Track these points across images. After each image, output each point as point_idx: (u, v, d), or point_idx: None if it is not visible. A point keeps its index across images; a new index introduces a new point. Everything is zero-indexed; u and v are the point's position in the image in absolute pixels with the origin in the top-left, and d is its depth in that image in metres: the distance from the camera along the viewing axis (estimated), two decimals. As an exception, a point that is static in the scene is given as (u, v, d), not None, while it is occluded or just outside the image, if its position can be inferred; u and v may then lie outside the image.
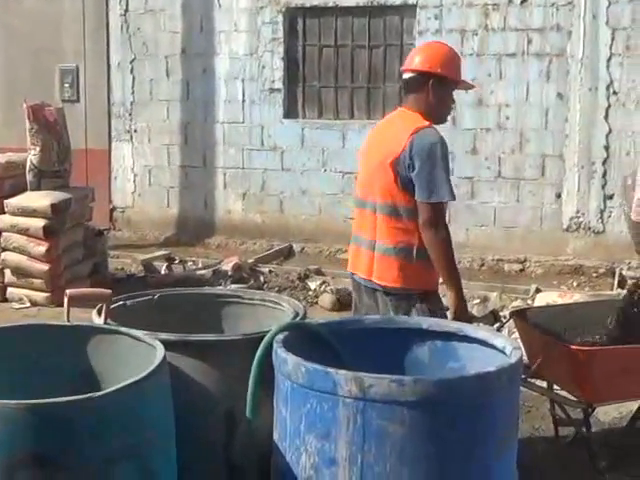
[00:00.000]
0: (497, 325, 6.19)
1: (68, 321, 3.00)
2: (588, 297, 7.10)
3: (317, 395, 2.61)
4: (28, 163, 7.75)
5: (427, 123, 3.98)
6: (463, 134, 9.60)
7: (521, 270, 9.32)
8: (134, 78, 10.93)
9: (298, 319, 3.25)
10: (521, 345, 4.36)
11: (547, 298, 7.12)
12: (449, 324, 3.29)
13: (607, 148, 9.15)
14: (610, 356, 4.19)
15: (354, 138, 9.93)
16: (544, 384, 4.59)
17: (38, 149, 7.73)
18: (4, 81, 11.48)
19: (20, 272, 7.55)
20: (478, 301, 7.13)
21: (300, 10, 10.24)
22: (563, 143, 9.30)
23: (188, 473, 2.75)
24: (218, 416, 2.98)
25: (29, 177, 7.75)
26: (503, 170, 9.52)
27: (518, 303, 7.26)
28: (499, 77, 9.45)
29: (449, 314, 3.94)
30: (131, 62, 10.92)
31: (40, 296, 7.47)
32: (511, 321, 5.04)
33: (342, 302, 7.63)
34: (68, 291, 3.08)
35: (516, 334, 4.99)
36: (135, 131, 11.00)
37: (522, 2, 9.30)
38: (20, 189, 7.74)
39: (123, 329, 2.95)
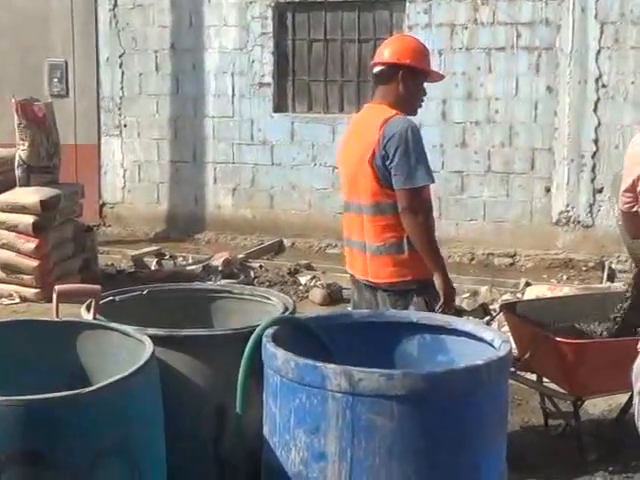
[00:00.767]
0: (487, 318, 6.20)
1: (57, 317, 2.99)
2: (578, 290, 7.12)
3: (306, 390, 2.61)
4: (17, 159, 7.71)
5: (394, 112, 3.98)
6: (452, 128, 9.60)
7: (511, 264, 9.34)
8: (123, 73, 10.90)
9: (287, 314, 3.25)
10: (511, 338, 4.38)
11: (537, 291, 7.14)
12: (438, 318, 3.29)
13: (596, 141, 9.17)
14: (599, 349, 4.21)
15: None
16: (534, 377, 4.61)
17: (27, 144, 7.69)
18: (-8, 76, 11.43)
19: (9, 268, 7.52)
20: (468, 295, 7.14)
21: (289, 5, 10.22)
22: (552, 136, 9.32)
23: (178, 469, 2.74)
24: (208, 411, 2.98)
25: (18, 173, 7.71)
26: (493, 164, 9.53)
27: (508, 297, 7.28)
28: (488, 71, 9.46)
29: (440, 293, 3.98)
30: (120, 57, 10.88)
31: (30, 292, 7.45)
32: (501, 314, 5.06)
33: (332, 297, 7.64)
34: (57, 287, 3.07)
35: (506, 327, 5.01)
36: (124, 126, 10.97)
37: (511, -4, 9.31)
38: (9, 185, 7.70)
39: (112, 325, 2.94)
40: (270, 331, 2.89)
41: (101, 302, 3.18)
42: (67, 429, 2.32)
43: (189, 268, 8.58)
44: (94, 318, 3.03)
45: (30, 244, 7.41)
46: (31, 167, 7.73)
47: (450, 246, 9.51)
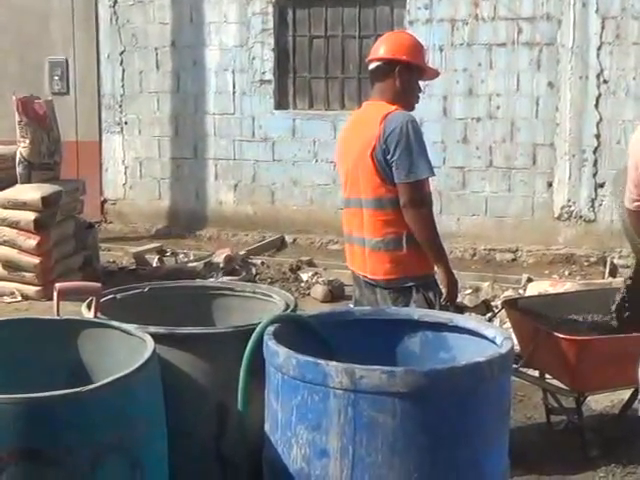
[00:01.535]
0: (489, 315, 6.20)
1: (58, 315, 2.99)
2: (580, 286, 7.11)
3: (308, 387, 2.61)
4: (18, 156, 7.71)
5: (394, 107, 3.99)
6: (454, 124, 9.59)
7: (513, 259, 9.34)
8: (124, 70, 10.89)
9: (289, 311, 3.24)
10: (513, 335, 4.38)
11: (539, 287, 7.13)
12: (440, 315, 3.29)
13: (598, 137, 9.16)
14: (600, 346, 4.20)
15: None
16: (536, 373, 4.60)
17: (28, 142, 7.69)
18: (-7, 74, 11.43)
19: (11, 266, 7.52)
20: (470, 291, 7.13)
21: (290, 1, 10.21)
22: (554, 132, 9.31)
23: (179, 467, 2.74)
24: (209, 409, 2.98)
25: (19, 170, 7.71)
26: (494, 159, 9.53)
27: (510, 293, 7.27)
28: (489, 66, 9.45)
29: (442, 289, 3.97)
30: (121, 54, 10.88)
31: (31, 290, 7.44)
32: (503, 311, 5.05)
33: (334, 293, 7.63)
34: (57, 285, 3.06)
35: (508, 324, 5.01)
36: (125, 123, 10.97)
37: (512, -9, 9.30)
38: (10, 182, 7.70)
39: (113, 323, 2.94)
40: (271, 328, 2.89)
41: (102, 300, 3.18)
42: (68, 427, 2.31)
43: (190, 265, 8.58)
44: (95, 316, 3.03)
45: (31, 241, 7.41)
46: (32, 164, 7.73)
47: (452, 242, 9.50)
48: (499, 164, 9.52)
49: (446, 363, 2.99)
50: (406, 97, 4.09)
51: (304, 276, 8.25)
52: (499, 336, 2.89)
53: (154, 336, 2.75)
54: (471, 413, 2.61)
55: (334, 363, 2.60)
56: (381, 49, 4.13)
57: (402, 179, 3.88)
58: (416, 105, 4.20)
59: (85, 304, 3.16)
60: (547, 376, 4.57)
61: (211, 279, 7.52)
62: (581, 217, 9.31)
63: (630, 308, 4.43)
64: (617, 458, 4.26)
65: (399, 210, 3.92)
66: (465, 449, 2.60)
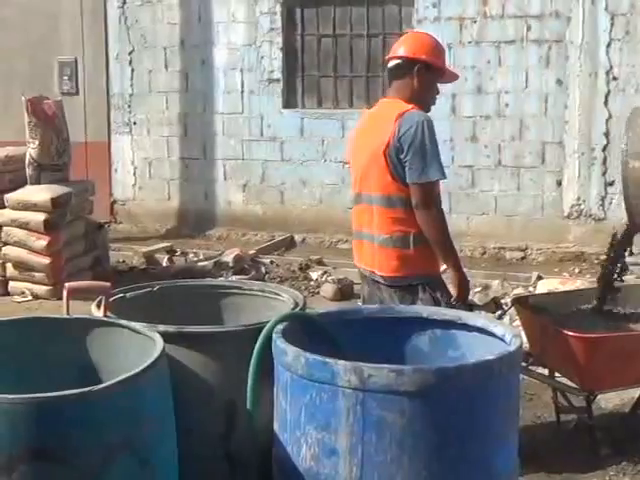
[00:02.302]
0: (499, 313, 6.18)
1: (68, 314, 3.00)
2: (589, 284, 7.08)
3: (317, 386, 2.61)
4: (27, 157, 7.74)
5: (411, 106, 3.98)
6: (462, 122, 9.58)
7: (522, 258, 9.32)
8: (133, 70, 10.91)
9: (298, 310, 3.24)
10: (522, 333, 4.37)
11: (549, 285, 7.12)
12: (449, 312, 3.28)
13: (607, 134, 9.13)
14: (611, 343, 4.18)
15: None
16: (546, 372, 4.59)
17: (37, 143, 7.71)
18: (2, 75, 11.45)
19: (21, 266, 7.55)
20: (479, 289, 7.11)
21: (298, 0, 10.21)
22: (563, 130, 9.28)
23: (188, 465, 2.74)
24: (218, 408, 2.98)
25: (29, 171, 7.74)
26: (503, 158, 9.51)
27: (519, 291, 7.25)
28: (498, 64, 9.43)
29: (452, 290, 3.96)
30: (130, 54, 10.90)
31: (42, 289, 7.47)
32: (512, 309, 5.04)
33: (344, 292, 7.63)
34: (67, 284, 3.08)
35: (517, 322, 5.00)
36: (134, 123, 10.98)
37: (521, -11, 9.28)
38: (20, 183, 7.73)
39: (122, 322, 2.94)
40: (280, 327, 2.89)
41: (111, 299, 3.19)
42: (77, 426, 2.32)
43: (200, 264, 8.58)
44: (104, 315, 3.04)
45: (42, 242, 7.43)
46: (42, 165, 7.76)
47: (461, 240, 9.47)
48: (508, 162, 9.50)
49: (455, 361, 2.99)
50: (423, 97, 4.09)
51: (313, 275, 8.26)
52: (508, 334, 2.88)
53: (163, 335, 2.76)
54: (480, 411, 2.61)
55: (343, 362, 2.59)
56: (402, 48, 4.15)
57: (415, 179, 3.87)
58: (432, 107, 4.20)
59: (95, 303, 3.17)
60: (557, 374, 4.56)
61: (220, 278, 7.53)
62: (591, 215, 9.29)
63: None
64: (628, 457, 4.25)
65: (409, 209, 3.91)
66: (474, 448, 2.60)
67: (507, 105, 9.42)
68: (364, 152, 4.10)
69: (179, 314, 3.37)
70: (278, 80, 10.27)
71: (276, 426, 2.82)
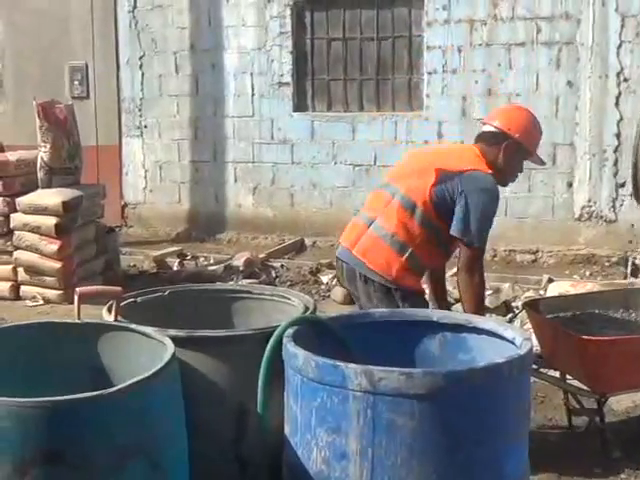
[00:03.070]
0: (509, 316, 6.17)
1: (79, 318, 3.01)
2: (601, 286, 7.07)
3: (327, 389, 2.61)
4: (39, 161, 7.77)
5: (490, 172, 4.01)
6: (473, 124, 9.53)
7: (533, 260, 9.29)
8: (143, 74, 10.94)
9: (308, 313, 3.25)
10: (533, 336, 4.36)
11: (559, 288, 7.09)
12: (459, 316, 3.29)
13: (618, 136, 9.10)
14: (622, 346, 4.17)
15: (364, 130, 9.92)
16: (556, 374, 4.58)
17: (48, 147, 7.74)
18: (13, 79, 11.51)
19: (33, 270, 7.57)
20: (490, 292, 7.09)
21: (308, 3, 10.22)
22: (574, 131, 9.26)
23: (199, 468, 2.75)
24: (229, 411, 2.99)
25: (40, 175, 7.76)
26: (514, 160, 9.47)
27: (530, 294, 7.23)
28: (509, 66, 9.41)
29: None
30: (140, 58, 10.93)
31: (53, 294, 7.49)
32: (523, 312, 5.03)
33: (354, 295, 7.61)
34: (78, 289, 3.09)
35: (528, 325, 4.99)
36: (145, 127, 11.01)
37: (530, -9, 9.27)
38: (31, 187, 7.75)
39: (133, 326, 2.96)
40: (291, 331, 2.90)
41: (122, 303, 3.20)
42: (89, 430, 2.33)
43: (211, 268, 8.59)
44: (115, 319, 3.05)
45: (53, 246, 7.45)
46: (53, 169, 7.78)
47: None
48: (519, 164, 9.46)
49: (465, 364, 2.99)
50: (504, 171, 4.13)
51: (324, 278, 8.25)
52: (518, 337, 2.88)
53: (174, 339, 2.77)
54: (490, 414, 2.61)
55: (353, 365, 2.60)
56: (499, 117, 4.17)
57: (469, 241, 3.91)
58: (510, 184, 4.28)
59: (106, 307, 3.18)
60: (568, 377, 4.55)
61: (231, 282, 7.54)
62: (602, 217, 9.26)
63: None
64: (639, 459, 4.23)
65: (422, 229, 3.94)
66: (484, 450, 2.60)
67: (517, 107, 9.39)
68: (425, 161, 4.14)
69: (190, 318, 3.39)
70: (288, 83, 10.28)
71: (287, 429, 2.83)
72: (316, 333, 3.05)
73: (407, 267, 3.95)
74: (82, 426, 2.32)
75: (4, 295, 7.66)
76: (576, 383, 4.46)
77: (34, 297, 7.57)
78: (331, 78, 10.25)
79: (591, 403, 4.45)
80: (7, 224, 7.64)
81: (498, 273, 8.46)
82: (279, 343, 2.86)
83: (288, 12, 10.19)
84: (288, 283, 8.01)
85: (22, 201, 7.58)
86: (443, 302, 4.44)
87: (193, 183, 10.88)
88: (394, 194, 4.03)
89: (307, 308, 3.32)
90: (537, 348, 4.25)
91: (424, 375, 2.54)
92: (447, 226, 3.93)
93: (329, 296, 7.81)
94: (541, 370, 4.47)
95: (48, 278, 7.52)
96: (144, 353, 2.82)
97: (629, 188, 9.03)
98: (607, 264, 8.95)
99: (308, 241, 10.18)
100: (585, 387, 4.35)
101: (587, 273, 8.67)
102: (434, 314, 3.29)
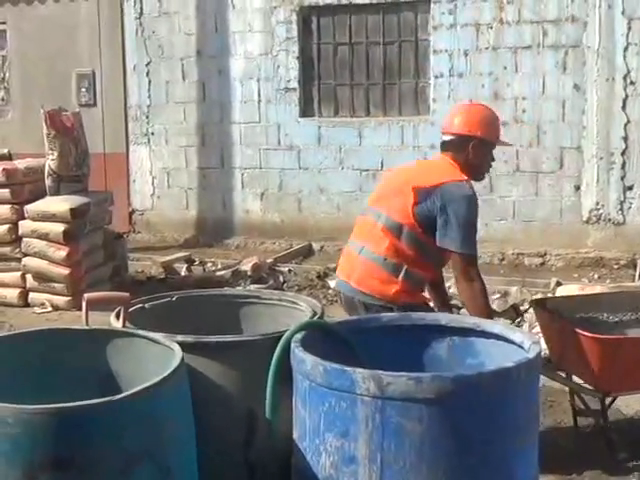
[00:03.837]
0: (517, 320, 6.16)
1: (87, 325, 3.01)
2: (609, 289, 7.05)
3: (335, 394, 2.61)
4: (46, 168, 7.79)
5: (465, 177, 4.04)
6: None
7: (541, 264, 9.29)
8: (150, 81, 10.98)
9: (316, 318, 3.24)
10: (541, 339, 4.35)
11: (568, 291, 7.07)
12: (467, 320, 3.28)
13: (625, 139, 9.09)
14: (628, 346, 4.16)
15: (370, 135, 9.94)
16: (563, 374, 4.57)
17: (56, 154, 7.76)
18: (21, 87, 11.56)
19: (41, 277, 7.59)
20: (498, 296, 7.09)
21: (314, 9, 10.24)
22: (581, 135, 9.26)
23: (208, 474, 2.75)
24: (237, 417, 2.99)
25: (48, 182, 7.79)
26: (521, 163, 9.49)
27: (539, 297, 7.21)
28: (515, 70, 9.42)
29: None
30: (147, 65, 10.97)
31: (61, 300, 7.52)
32: (532, 315, 5.02)
33: (362, 300, 7.60)
34: (86, 295, 3.09)
35: (537, 329, 4.98)
36: (152, 134, 11.05)
37: (536, -6, 9.27)
38: (39, 194, 7.78)
39: (141, 332, 2.96)
40: (299, 336, 2.89)
41: (130, 309, 3.20)
42: (98, 436, 2.33)
43: (218, 274, 8.61)
44: (123, 326, 3.05)
45: (61, 252, 7.47)
46: (61, 176, 7.81)
47: (480, 246, 9.40)
48: (526, 168, 9.48)
49: (474, 369, 2.98)
50: (478, 168, 4.17)
51: (331, 283, 8.24)
52: (527, 341, 2.87)
53: (182, 345, 2.77)
54: (499, 418, 2.60)
55: (361, 370, 2.60)
56: (455, 122, 4.16)
57: (460, 250, 3.91)
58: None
59: (114, 314, 3.18)
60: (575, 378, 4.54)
61: (239, 287, 7.54)
62: (610, 220, 9.24)
63: None
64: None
65: (411, 248, 3.95)
66: (493, 455, 2.59)
67: (524, 111, 9.41)
68: (400, 180, 4.15)
69: (198, 324, 3.39)
70: (295, 89, 10.30)
71: (295, 434, 2.83)
72: (324, 338, 3.05)
73: (405, 286, 3.96)
74: (91, 432, 2.33)
75: (13, 302, 7.69)
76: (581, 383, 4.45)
77: (43, 304, 7.58)
78: (337, 83, 10.27)
79: (597, 404, 4.44)
80: (16, 231, 7.67)
81: (506, 277, 8.45)
82: (287, 348, 2.86)
83: (294, 17, 10.21)
84: (296, 288, 8.01)
85: (30, 208, 7.61)
86: (446, 308, 4.44)
87: (200, 189, 10.91)
88: (378, 217, 4.06)
89: (315, 313, 3.32)
90: (545, 352, 4.24)
91: (432, 379, 2.54)
92: (434, 240, 3.96)
93: (337, 301, 7.77)
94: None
95: (56, 285, 7.54)
96: (152, 359, 2.82)
97: (637, 191, 9.04)
98: (616, 267, 8.94)
99: (316, 246, 10.19)
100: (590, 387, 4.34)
101: (595, 276, 8.65)
102: (442, 318, 3.29)
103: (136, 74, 11.03)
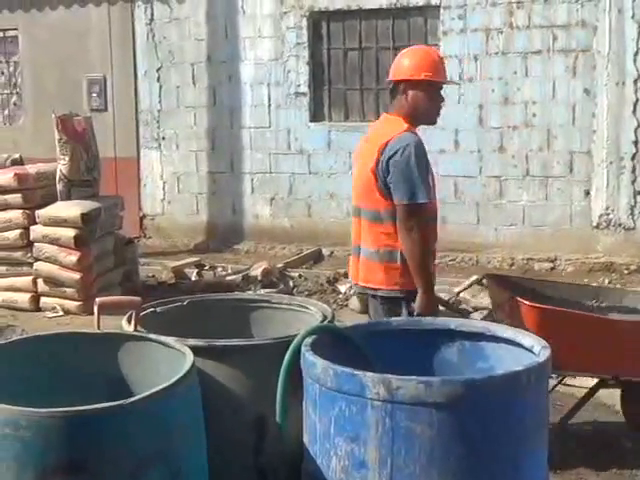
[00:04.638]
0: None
1: (98, 329, 3.03)
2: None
3: (345, 398, 2.62)
4: (58, 173, 7.83)
5: (405, 127, 4.04)
6: (490, 133, 9.56)
7: (551, 269, 9.27)
8: (161, 86, 11.01)
9: (326, 322, 3.25)
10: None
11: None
12: (477, 324, 3.29)
13: (636, 143, 9.08)
14: (567, 319, 4.18)
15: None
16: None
17: (67, 159, 7.80)
18: (32, 92, 11.62)
19: (52, 281, 7.62)
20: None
21: (324, 14, 10.26)
22: (591, 139, 9.24)
23: (218, 477, 2.76)
24: (248, 421, 3.00)
25: (59, 187, 7.82)
26: (531, 168, 9.48)
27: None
28: (525, 75, 9.41)
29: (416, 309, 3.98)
30: (157, 70, 11.00)
31: (72, 305, 7.54)
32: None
33: (372, 304, 7.61)
34: (97, 299, 3.11)
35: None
36: (163, 138, 11.07)
37: (546, -1, 9.27)
38: (50, 199, 7.82)
39: (152, 336, 2.97)
40: (309, 340, 2.90)
41: (141, 314, 3.22)
42: (109, 439, 2.35)
43: (229, 278, 8.62)
44: (135, 330, 3.07)
45: (72, 257, 7.50)
46: (72, 181, 7.84)
47: (489, 252, 9.47)
48: (536, 173, 9.46)
49: (484, 373, 2.98)
50: (421, 112, 4.11)
51: (342, 288, 8.26)
52: (537, 345, 2.88)
53: (193, 349, 2.79)
54: (509, 423, 2.60)
55: (371, 374, 2.60)
56: (391, 69, 4.22)
57: (399, 200, 3.94)
58: (440, 114, 4.22)
59: (125, 318, 3.20)
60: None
61: (249, 292, 7.56)
62: (620, 225, 9.22)
63: None
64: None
65: (395, 225, 3.97)
66: (503, 458, 2.59)
67: (534, 115, 9.40)
68: (359, 165, 4.23)
69: (208, 328, 3.40)
70: (305, 94, 10.32)
71: (305, 438, 2.83)
72: (334, 342, 3.05)
73: (407, 269, 3.97)
74: (103, 436, 2.34)
75: (24, 306, 7.72)
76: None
77: (54, 308, 7.61)
78: (347, 88, 10.28)
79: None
80: (27, 236, 7.70)
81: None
82: (298, 352, 2.87)
83: (304, 23, 10.23)
84: (306, 292, 8.03)
85: (41, 213, 7.64)
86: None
87: (211, 194, 10.93)
88: (360, 214, 4.14)
89: (325, 317, 3.33)
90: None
91: (442, 383, 2.54)
92: None
93: (347, 305, 7.81)
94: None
95: (68, 289, 7.57)
96: (164, 363, 2.84)
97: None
98: (626, 272, 8.91)
99: (325, 251, 10.19)
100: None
101: (606, 281, 8.63)
102: (452, 322, 3.29)
103: (147, 79, 11.07)
